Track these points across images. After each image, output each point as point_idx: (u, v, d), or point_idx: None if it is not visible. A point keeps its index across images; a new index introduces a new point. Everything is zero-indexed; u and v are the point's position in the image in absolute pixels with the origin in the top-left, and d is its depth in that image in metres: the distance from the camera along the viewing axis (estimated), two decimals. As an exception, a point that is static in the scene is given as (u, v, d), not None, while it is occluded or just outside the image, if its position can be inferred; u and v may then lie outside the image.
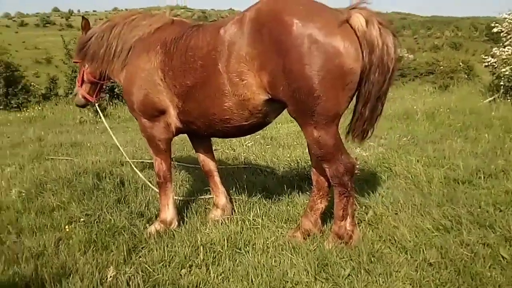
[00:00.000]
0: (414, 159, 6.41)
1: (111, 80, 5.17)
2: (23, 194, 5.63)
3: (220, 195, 4.84)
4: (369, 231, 4.21)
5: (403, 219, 4.36)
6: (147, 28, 4.48)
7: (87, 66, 5.07)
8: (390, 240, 4.02)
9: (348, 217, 3.91)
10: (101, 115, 6.02)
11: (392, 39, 3.51)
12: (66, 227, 4.53)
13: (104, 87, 5.73)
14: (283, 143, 8.44)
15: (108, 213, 4.88)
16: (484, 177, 5.56)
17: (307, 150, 4.35)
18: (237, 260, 3.79)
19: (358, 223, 4.26)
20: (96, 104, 5.63)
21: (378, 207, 4.66)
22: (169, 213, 4.54)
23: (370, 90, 3.57)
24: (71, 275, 3.61)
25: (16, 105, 18.87)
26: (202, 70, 3.89)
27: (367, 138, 3.91)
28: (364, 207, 4.73)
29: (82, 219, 4.73)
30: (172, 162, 5.77)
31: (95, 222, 4.68)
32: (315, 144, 3.70)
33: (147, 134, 4.53)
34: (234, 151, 7.94)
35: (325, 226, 4.35)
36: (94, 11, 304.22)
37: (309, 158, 4.33)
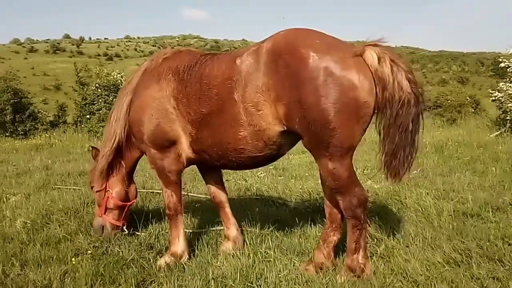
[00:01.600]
0: (424, 192, 6.42)
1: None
2: (28, 224, 5.55)
3: (231, 227, 4.82)
4: (381, 264, 4.18)
5: (414, 252, 4.34)
6: (154, 61, 4.57)
7: (111, 190, 5.09)
8: (402, 273, 3.99)
9: (361, 250, 3.88)
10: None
11: (405, 75, 3.54)
12: (73, 259, 4.43)
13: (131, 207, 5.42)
14: (295, 174, 8.46)
15: (116, 245, 4.84)
16: (492, 211, 5.57)
17: (319, 182, 4.34)
18: (249, 295, 3.75)
19: (370, 256, 4.24)
20: (125, 227, 5.27)
21: (390, 240, 4.65)
22: (179, 246, 4.49)
23: (388, 125, 3.61)
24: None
25: (23, 132, 18.94)
26: (218, 99, 3.92)
27: (398, 178, 3.81)
28: (376, 240, 4.72)
29: (89, 251, 4.65)
30: (183, 193, 5.74)
31: (103, 254, 4.63)
32: (330, 176, 3.70)
33: (157, 165, 4.50)
34: (246, 181, 7.95)
35: (338, 259, 4.32)
36: (105, 38, 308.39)
37: (322, 190, 4.32)
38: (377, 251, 4.46)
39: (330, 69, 3.45)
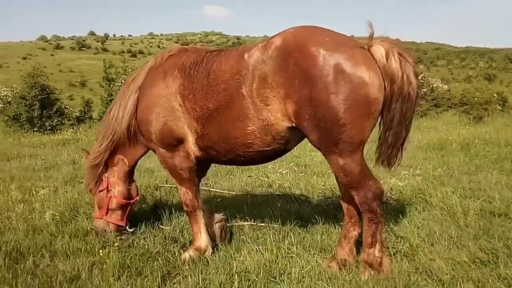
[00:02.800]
0: (449, 191, 6.34)
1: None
2: (57, 217, 5.68)
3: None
4: (405, 262, 4.15)
5: (439, 251, 4.30)
6: (158, 58, 4.58)
7: (113, 190, 5.02)
8: (427, 272, 3.96)
9: (377, 244, 3.87)
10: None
11: (412, 69, 3.60)
12: (100, 251, 4.54)
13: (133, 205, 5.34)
14: (317, 171, 8.39)
15: (142, 238, 4.92)
16: (520, 210, 5.45)
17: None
18: (273, 290, 3.77)
19: (394, 253, 4.25)
20: (127, 227, 5.13)
21: (414, 239, 4.60)
22: (202, 240, 4.54)
23: (392, 118, 3.65)
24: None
25: (50, 128, 19.20)
26: (226, 94, 3.93)
27: (394, 165, 3.92)
28: (400, 238, 4.67)
29: (116, 244, 4.73)
30: (205, 188, 5.78)
31: (129, 247, 4.72)
32: (342, 172, 3.72)
33: (168, 164, 4.52)
34: (268, 178, 7.94)
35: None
36: (129, 35, 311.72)
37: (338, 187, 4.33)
38: (401, 249, 4.43)
39: (341, 66, 3.47)
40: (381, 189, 3.82)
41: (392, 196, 6.21)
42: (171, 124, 4.26)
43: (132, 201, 5.17)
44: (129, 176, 5.15)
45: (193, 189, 4.59)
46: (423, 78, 26.34)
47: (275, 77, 3.66)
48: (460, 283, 3.70)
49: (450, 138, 11.23)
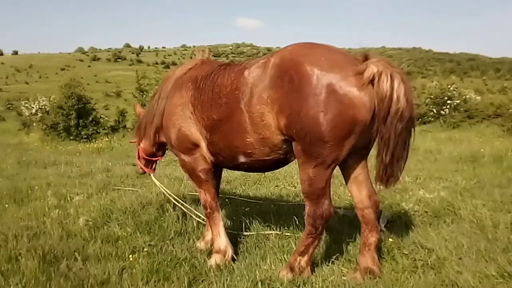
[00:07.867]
0: (479, 203, 6.22)
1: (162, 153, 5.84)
2: (90, 222, 5.87)
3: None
4: (431, 275, 4.11)
5: (467, 264, 4.23)
6: (181, 70, 4.95)
7: (141, 144, 5.68)
8: (453, 285, 3.91)
9: (307, 255, 4.09)
10: (156, 182, 6.13)
11: (404, 91, 3.61)
12: (130, 256, 4.66)
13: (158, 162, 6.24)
14: (344, 181, 8.34)
15: (170, 244, 5.05)
16: (554, 225, 5.29)
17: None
18: (297, 298, 3.79)
19: (421, 266, 4.23)
20: (152, 175, 6.01)
21: (442, 251, 4.54)
22: (221, 241, 4.66)
23: (388, 137, 3.69)
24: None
25: (86, 136, 19.84)
26: (226, 107, 4.15)
27: (392, 183, 3.97)
28: (427, 250, 4.62)
29: (145, 249, 4.86)
30: (233, 197, 5.86)
31: (158, 253, 4.83)
32: (307, 182, 3.89)
33: (187, 168, 4.81)
34: (295, 188, 7.97)
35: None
36: (163, 47, 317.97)
37: (351, 194, 4.42)
38: (428, 261, 4.38)
39: (333, 86, 3.57)
40: (331, 212, 4.00)
41: (420, 208, 6.15)
42: (185, 130, 4.58)
43: (153, 158, 5.78)
44: (159, 149, 5.69)
45: (212, 191, 4.78)
46: (456, 89, 26.04)
47: (271, 93, 3.83)
48: (486, 297, 3.64)
49: (482, 150, 11.03)
